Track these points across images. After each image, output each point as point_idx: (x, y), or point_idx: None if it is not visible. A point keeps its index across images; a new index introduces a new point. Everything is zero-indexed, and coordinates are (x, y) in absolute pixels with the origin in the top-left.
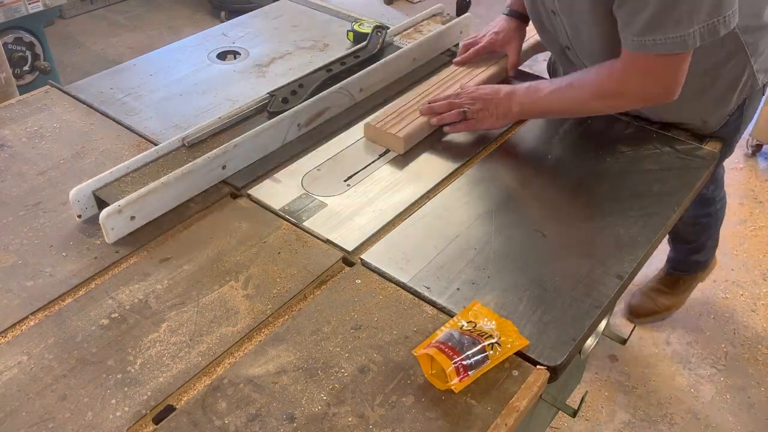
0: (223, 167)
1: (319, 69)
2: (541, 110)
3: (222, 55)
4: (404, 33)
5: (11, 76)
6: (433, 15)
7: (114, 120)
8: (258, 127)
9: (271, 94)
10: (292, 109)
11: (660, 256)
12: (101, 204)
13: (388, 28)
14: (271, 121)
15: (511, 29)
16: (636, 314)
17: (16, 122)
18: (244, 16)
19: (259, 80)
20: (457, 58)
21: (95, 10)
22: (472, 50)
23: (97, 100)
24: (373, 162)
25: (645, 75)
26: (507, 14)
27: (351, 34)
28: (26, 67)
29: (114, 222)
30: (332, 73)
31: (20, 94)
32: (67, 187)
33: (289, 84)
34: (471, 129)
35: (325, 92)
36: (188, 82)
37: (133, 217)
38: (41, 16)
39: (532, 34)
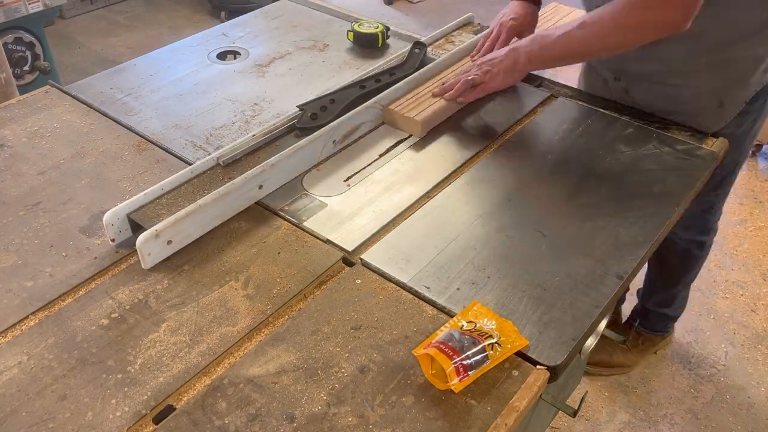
0: (260, 187)
1: (352, 85)
2: (553, 56)
3: (222, 55)
4: (436, 44)
5: (11, 76)
6: (464, 24)
7: (114, 120)
8: (294, 144)
9: (301, 108)
10: (329, 126)
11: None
12: (135, 227)
13: (427, 45)
14: (308, 138)
15: (528, 14)
16: (589, 361)
17: (16, 122)
18: (244, 16)
19: (259, 80)
20: (477, 53)
21: (95, 10)
22: (489, 43)
23: (97, 100)
24: (372, 162)
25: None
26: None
27: (351, 34)
28: (26, 67)
29: (151, 247)
30: (365, 90)
31: (20, 94)
32: (67, 187)
33: (319, 98)
34: (483, 92)
35: (360, 107)
36: (188, 82)
37: (170, 242)
38: (41, 16)
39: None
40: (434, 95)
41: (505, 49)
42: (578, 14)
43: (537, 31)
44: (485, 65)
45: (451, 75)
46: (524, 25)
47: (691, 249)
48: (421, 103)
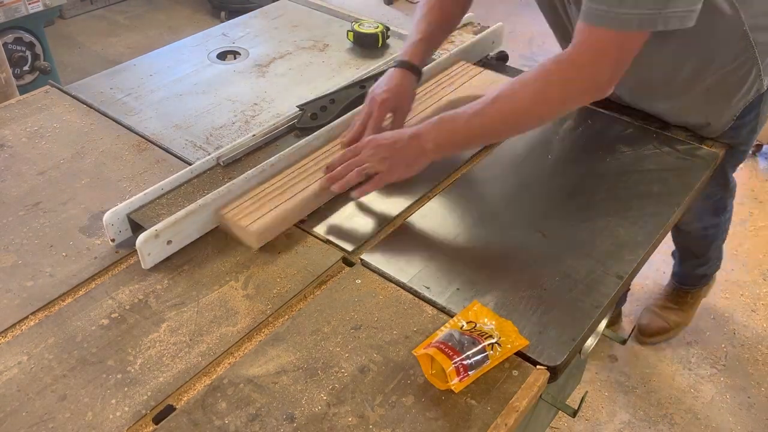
0: None
1: (352, 85)
2: (464, 140)
3: (222, 55)
4: None
5: (11, 76)
6: (464, 25)
7: (114, 120)
8: (294, 144)
9: (301, 108)
10: (328, 126)
11: (661, 270)
12: (135, 226)
13: None
14: (307, 138)
15: (404, 85)
16: (646, 334)
17: (16, 122)
18: (244, 16)
19: (259, 80)
20: (346, 138)
21: (95, 10)
22: (360, 125)
23: (97, 100)
24: None
25: (592, 53)
26: (400, 66)
27: (351, 34)
28: (26, 67)
29: (151, 247)
30: (365, 90)
31: (20, 94)
32: (67, 187)
33: (319, 98)
34: (381, 185)
35: (360, 107)
36: (188, 82)
37: (169, 242)
38: (41, 16)
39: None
40: (322, 188)
41: (407, 133)
42: (490, 76)
43: (441, 115)
44: (383, 149)
45: (323, 160)
46: (399, 97)
47: (707, 231)
48: (264, 204)
